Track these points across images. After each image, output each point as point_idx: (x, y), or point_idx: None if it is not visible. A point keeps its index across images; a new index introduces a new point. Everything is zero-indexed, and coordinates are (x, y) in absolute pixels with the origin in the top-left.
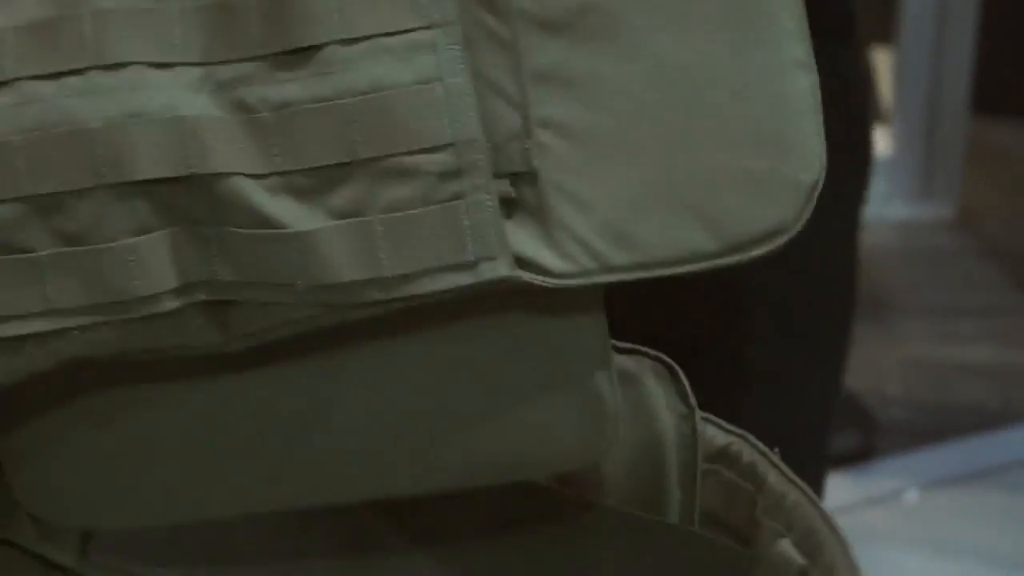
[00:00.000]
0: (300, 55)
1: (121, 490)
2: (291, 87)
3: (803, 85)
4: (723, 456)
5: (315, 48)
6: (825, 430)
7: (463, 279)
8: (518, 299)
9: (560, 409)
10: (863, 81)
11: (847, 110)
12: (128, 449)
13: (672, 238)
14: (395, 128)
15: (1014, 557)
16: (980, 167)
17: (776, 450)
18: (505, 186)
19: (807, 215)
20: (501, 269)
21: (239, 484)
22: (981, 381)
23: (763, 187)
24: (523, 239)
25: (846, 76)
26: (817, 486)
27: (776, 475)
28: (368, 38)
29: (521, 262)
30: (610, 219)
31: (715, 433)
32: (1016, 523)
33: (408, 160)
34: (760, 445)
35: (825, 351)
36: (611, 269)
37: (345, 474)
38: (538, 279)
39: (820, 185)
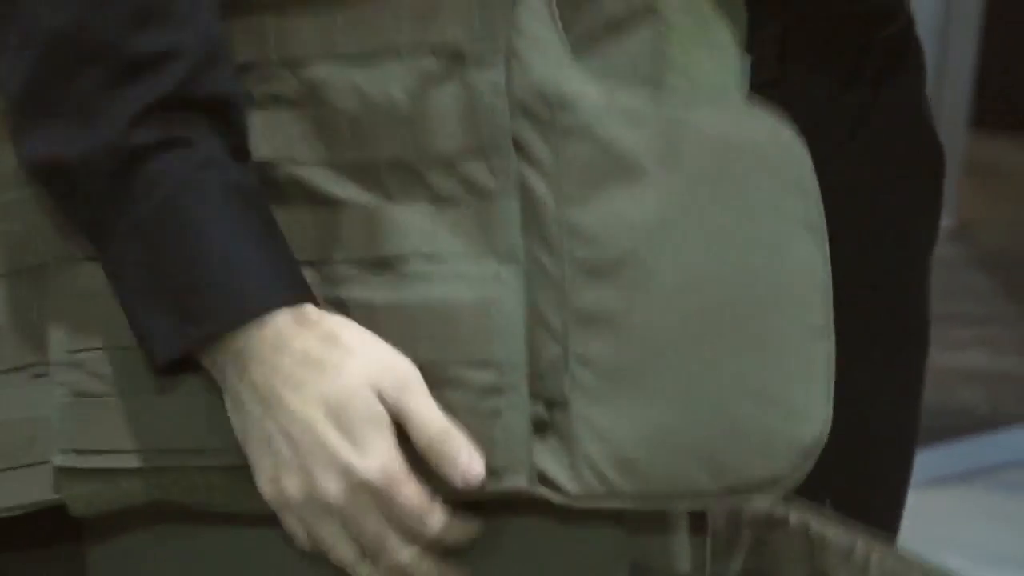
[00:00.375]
0: (388, 262)
1: None
2: (377, 290)
3: (821, 352)
4: (768, 522)
5: (400, 258)
6: (900, 477)
7: (487, 484)
8: (540, 504)
9: None
10: (930, 114)
11: (924, 142)
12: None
13: (676, 477)
14: (451, 340)
15: (1005, 554)
16: (978, 180)
17: (827, 502)
18: (540, 409)
19: (806, 471)
20: (521, 482)
21: None
22: (973, 386)
23: (767, 443)
24: (546, 457)
25: (923, 111)
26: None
27: (834, 529)
28: (444, 259)
29: (541, 477)
30: (624, 452)
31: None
32: (1006, 522)
33: (457, 371)
34: (805, 502)
35: (898, 386)
36: (616, 496)
37: None
38: (553, 496)
39: (821, 445)
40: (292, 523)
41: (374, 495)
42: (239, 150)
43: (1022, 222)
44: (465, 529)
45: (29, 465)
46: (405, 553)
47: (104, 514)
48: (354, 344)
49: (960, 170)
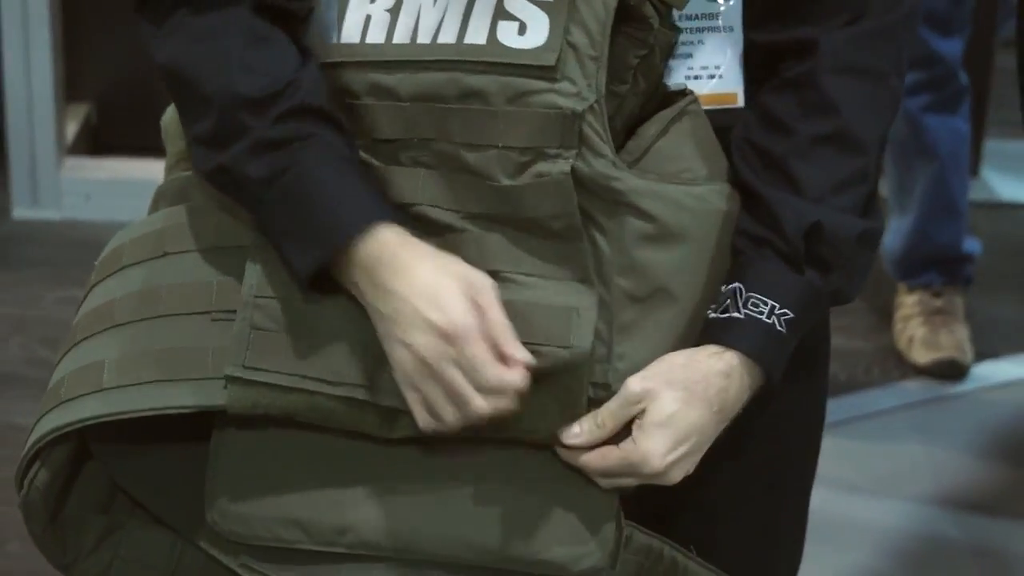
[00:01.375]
0: (498, 274)
1: (290, 519)
2: None
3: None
4: (647, 552)
5: (505, 272)
6: (815, 432)
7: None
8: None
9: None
10: None
11: None
12: (303, 485)
13: None
14: (541, 327)
15: (856, 484)
16: None
17: (692, 548)
18: (588, 389)
19: None
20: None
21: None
22: (833, 360)
23: None
24: None
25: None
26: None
27: (694, 566)
28: (534, 275)
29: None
30: None
31: (639, 536)
32: (857, 460)
33: (544, 348)
34: (678, 546)
35: (810, 394)
36: None
37: (413, 513)
38: None
39: None
40: (412, 399)
41: (453, 344)
42: (350, 145)
43: None
44: (520, 386)
45: (202, 379)
46: (479, 401)
47: (237, 417)
48: (452, 257)
49: None
